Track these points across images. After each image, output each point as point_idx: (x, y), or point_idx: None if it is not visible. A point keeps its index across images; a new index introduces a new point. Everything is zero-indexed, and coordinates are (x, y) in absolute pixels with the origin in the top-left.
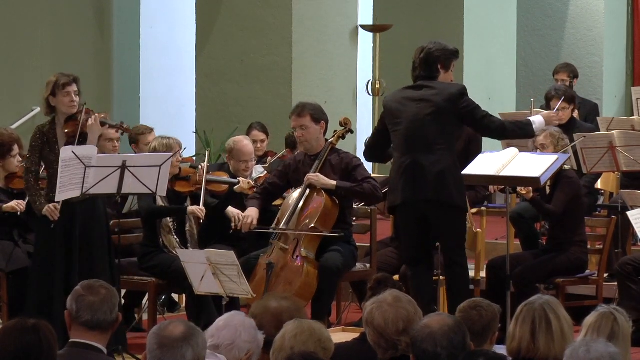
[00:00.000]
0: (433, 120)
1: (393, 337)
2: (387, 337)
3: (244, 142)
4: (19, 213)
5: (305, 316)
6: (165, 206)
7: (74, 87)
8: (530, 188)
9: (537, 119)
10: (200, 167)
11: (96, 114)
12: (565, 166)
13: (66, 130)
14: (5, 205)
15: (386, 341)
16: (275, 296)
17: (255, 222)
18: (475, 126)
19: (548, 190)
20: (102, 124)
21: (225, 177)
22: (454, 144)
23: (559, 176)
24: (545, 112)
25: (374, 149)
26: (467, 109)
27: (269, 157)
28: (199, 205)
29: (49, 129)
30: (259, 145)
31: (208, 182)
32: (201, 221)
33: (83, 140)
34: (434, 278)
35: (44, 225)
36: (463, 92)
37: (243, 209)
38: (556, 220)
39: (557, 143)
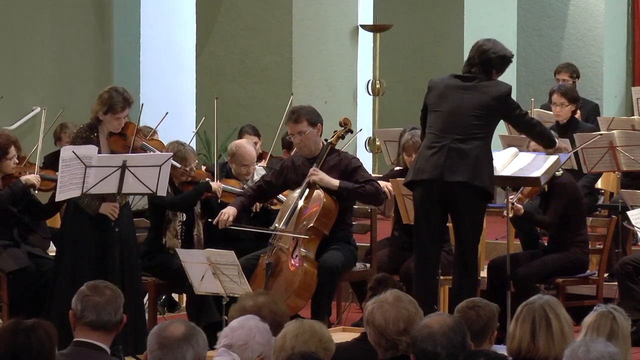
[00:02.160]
0: (478, 113)
1: (393, 337)
2: (387, 337)
3: (247, 147)
4: (35, 190)
5: (283, 306)
6: (187, 193)
7: (126, 112)
8: (520, 206)
9: (560, 142)
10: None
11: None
12: (557, 173)
13: (113, 147)
14: (23, 177)
15: (387, 341)
16: (249, 295)
17: (231, 219)
18: (517, 124)
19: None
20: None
21: (237, 188)
22: (491, 136)
23: (552, 184)
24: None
25: None
26: (513, 109)
27: (263, 159)
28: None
29: (93, 135)
30: None
31: (222, 192)
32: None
33: None
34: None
35: (74, 226)
36: (509, 92)
37: (261, 222)
38: (552, 229)
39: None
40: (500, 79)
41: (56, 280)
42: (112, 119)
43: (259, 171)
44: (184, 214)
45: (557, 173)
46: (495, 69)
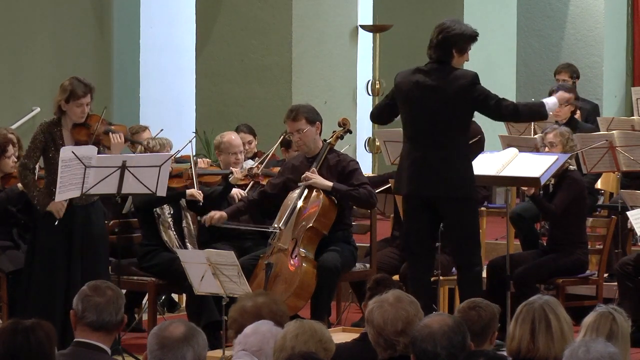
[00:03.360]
0: (443, 113)
1: (391, 337)
2: (385, 337)
3: (231, 136)
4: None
5: (283, 306)
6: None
7: (88, 99)
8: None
9: (549, 100)
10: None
11: (121, 133)
12: (571, 167)
13: (77, 137)
14: (19, 183)
15: (385, 340)
16: (248, 295)
17: (217, 216)
18: (488, 114)
19: (551, 189)
20: (126, 140)
21: (216, 169)
22: (466, 132)
23: (563, 176)
24: (559, 93)
25: (379, 117)
26: (479, 98)
27: (257, 157)
28: (197, 203)
29: (55, 129)
30: (246, 147)
31: (200, 175)
32: (199, 204)
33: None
34: (434, 278)
35: (44, 224)
36: (474, 81)
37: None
38: (555, 219)
39: (566, 143)
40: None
41: (29, 283)
42: (74, 105)
43: (247, 163)
44: (171, 208)
45: (570, 167)
46: (455, 48)
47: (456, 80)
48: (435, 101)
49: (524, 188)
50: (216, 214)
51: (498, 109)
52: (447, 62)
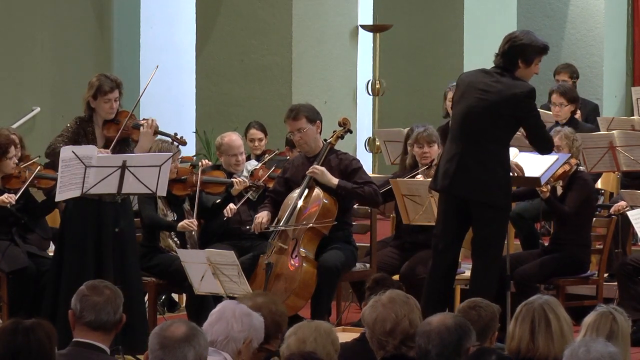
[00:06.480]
0: (488, 115)
1: (380, 337)
2: (375, 337)
3: (232, 137)
4: (9, 206)
5: (282, 307)
6: (165, 221)
7: (116, 94)
8: (549, 187)
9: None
10: (196, 171)
11: (149, 121)
12: (580, 167)
13: (107, 134)
14: None
15: (376, 340)
16: (248, 295)
17: (265, 220)
18: (529, 132)
19: (560, 191)
20: (155, 132)
21: (221, 178)
22: (506, 143)
23: (573, 177)
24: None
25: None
26: (525, 111)
27: (267, 155)
28: (196, 207)
29: (88, 126)
30: (257, 144)
31: (204, 184)
32: (193, 232)
33: (123, 144)
34: None
35: (72, 217)
36: (529, 95)
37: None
38: (567, 221)
39: (572, 144)
40: None
41: (59, 280)
42: (102, 101)
43: (251, 163)
44: (175, 213)
45: (580, 167)
46: (520, 58)
47: (511, 88)
48: (484, 102)
49: (544, 190)
50: (263, 219)
51: (539, 133)
52: (511, 71)
